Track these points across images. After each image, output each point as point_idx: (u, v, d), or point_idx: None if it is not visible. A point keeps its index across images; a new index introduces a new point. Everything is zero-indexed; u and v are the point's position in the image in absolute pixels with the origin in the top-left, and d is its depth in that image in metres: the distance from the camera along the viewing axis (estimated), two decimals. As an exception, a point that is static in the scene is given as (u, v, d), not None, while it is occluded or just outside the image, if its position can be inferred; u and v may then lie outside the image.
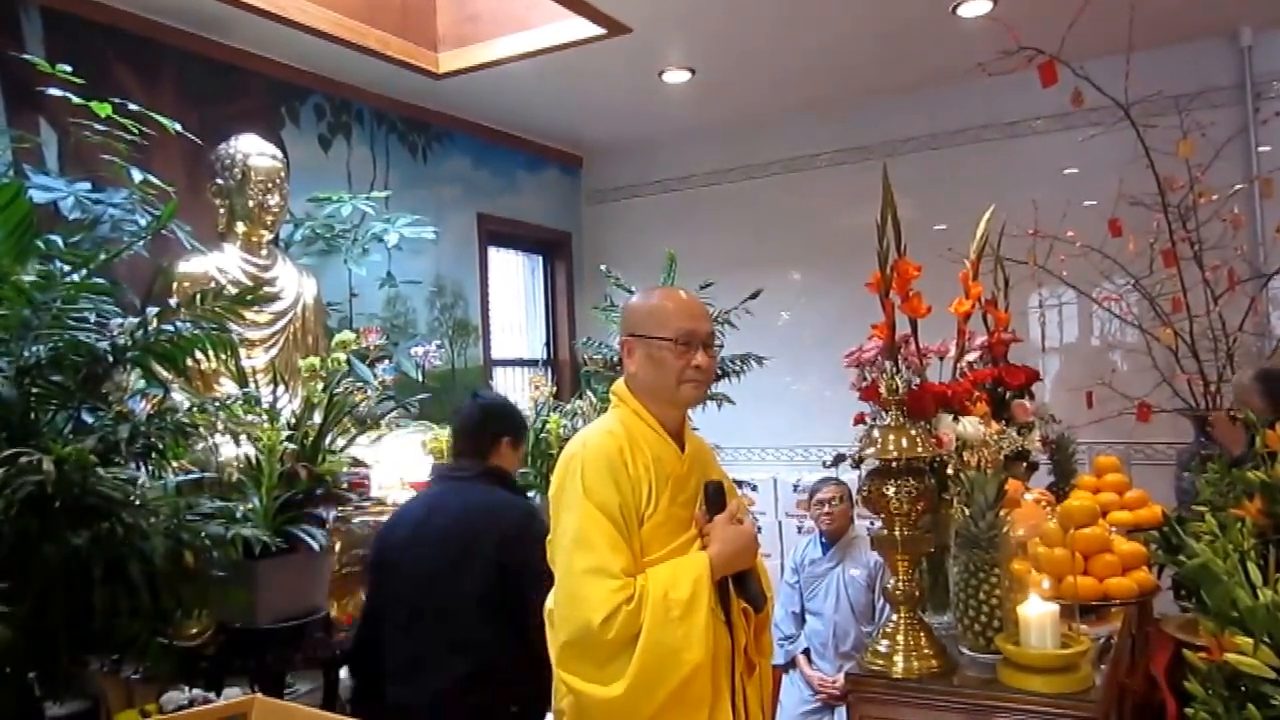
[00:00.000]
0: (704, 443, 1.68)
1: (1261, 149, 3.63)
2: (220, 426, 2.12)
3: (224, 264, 2.93)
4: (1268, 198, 3.44)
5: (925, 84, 4.18)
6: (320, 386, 2.43)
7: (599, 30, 3.36)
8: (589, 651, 1.40)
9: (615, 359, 4.03)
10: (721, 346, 3.29)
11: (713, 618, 1.42)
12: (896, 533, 1.72)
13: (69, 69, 2.42)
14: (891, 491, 1.70)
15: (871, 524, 1.84)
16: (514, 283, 5.00)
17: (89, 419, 1.79)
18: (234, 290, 2.42)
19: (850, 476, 2.64)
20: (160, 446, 1.87)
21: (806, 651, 3.24)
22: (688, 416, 1.65)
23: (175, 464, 2.03)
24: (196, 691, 1.98)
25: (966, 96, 4.10)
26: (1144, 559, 2.09)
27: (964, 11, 3.35)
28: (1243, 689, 1.15)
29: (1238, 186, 3.45)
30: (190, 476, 2.19)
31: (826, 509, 3.26)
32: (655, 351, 1.51)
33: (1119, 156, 3.43)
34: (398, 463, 2.95)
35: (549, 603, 1.52)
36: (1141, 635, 2.12)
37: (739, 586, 1.51)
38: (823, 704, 3.14)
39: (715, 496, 1.52)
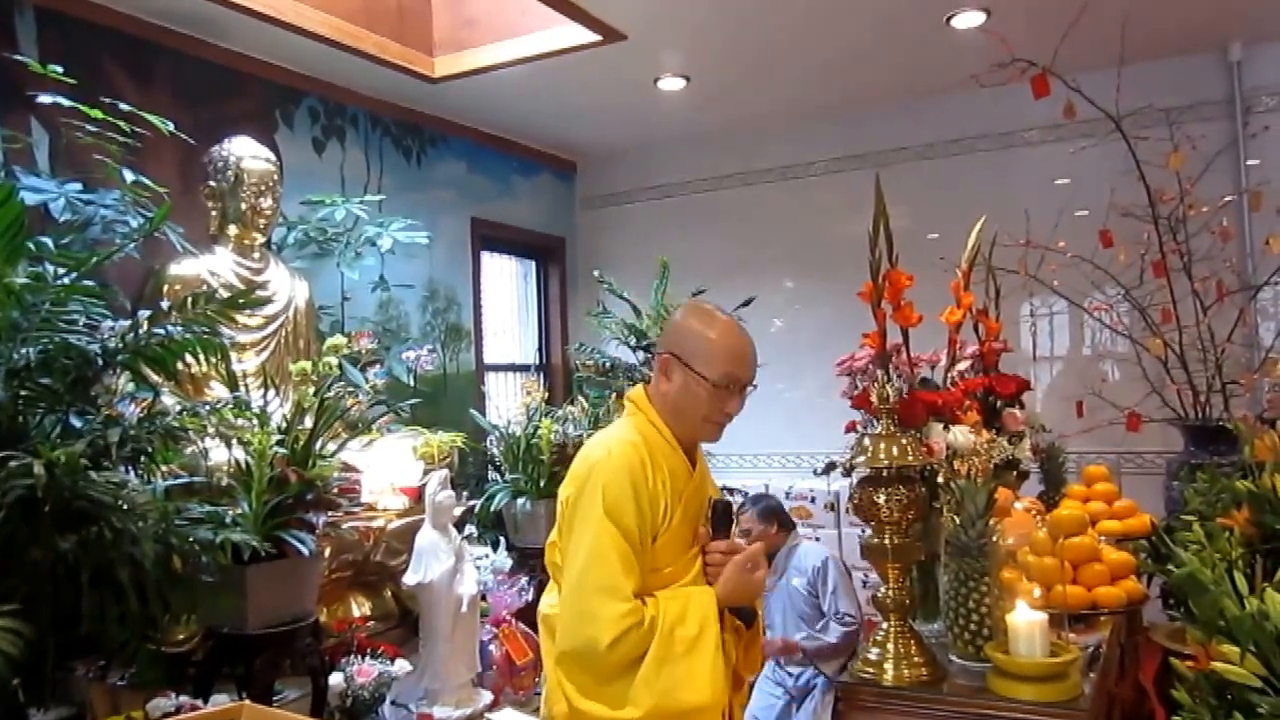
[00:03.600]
0: (704, 460, 1.67)
1: (1250, 162, 3.67)
2: (210, 430, 2.10)
3: (216, 267, 2.92)
4: (1256, 210, 3.47)
5: (919, 94, 4.21)
6: (311, 391, 2.42)
7: (594, 37, 3.37)
8: (591, 668, 1.39)
9: (608, 364, 4.04)
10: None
11: (721, 657, 1.41)
12: (887, 540, 1.72)
13: (61, 69, 2.41)
14: (882, 499, 1.71)
15: (863, 531, 1.84)
16: (507, 287, 5.00)
17: (78, 422, 1.77)
18: (226, 293, 2.41)
19: (841, 485, 2.64)
20: (150, 450, 1.85)
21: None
22: None
23: (165, 468, 2.02)
24: (184, 698, 1.97)
25: (960, 107, 4.12)
26: (1133, 568, 2.10)
27: (958, 23, 3.38)
28: (1229, 697, 1.16)
29: (1227, 199, 3.47)
30: (180, 481, 2.18)
31: (745, 539, 3.35)
32: (693, 384, 1.48)
33: (1110, 168, 3.45)
34: (389, 468, 2.94)
35: (545, 607, 1.51)
36: (1130, 644, 2.13)
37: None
38: (786, 697, 3.17)
39: (723, 516, 1.51)
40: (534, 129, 4.64)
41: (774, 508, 3.37)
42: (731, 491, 4.22)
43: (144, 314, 1.97)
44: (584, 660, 1.39)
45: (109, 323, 2.02)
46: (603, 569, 1.38)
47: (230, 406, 2.14)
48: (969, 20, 3.35)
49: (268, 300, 2.94)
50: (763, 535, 3.27)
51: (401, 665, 2.53)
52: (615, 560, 1.38)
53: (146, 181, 2.52)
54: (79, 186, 2.53)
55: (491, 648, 2.79)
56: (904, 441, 1.73)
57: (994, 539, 1.68)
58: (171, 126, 2.58)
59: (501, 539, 3.31)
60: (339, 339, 2.63)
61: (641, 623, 1.36)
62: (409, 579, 2.54)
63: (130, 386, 2.08)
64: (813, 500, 4.24)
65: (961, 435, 1.89)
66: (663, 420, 1.51)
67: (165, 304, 2.22)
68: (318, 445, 2.29)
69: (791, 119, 4.54)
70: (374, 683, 2.41)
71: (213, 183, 2.97)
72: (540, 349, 5.11)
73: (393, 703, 2.48)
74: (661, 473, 1.46)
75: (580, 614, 1.39)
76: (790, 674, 3.22)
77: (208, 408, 2.10)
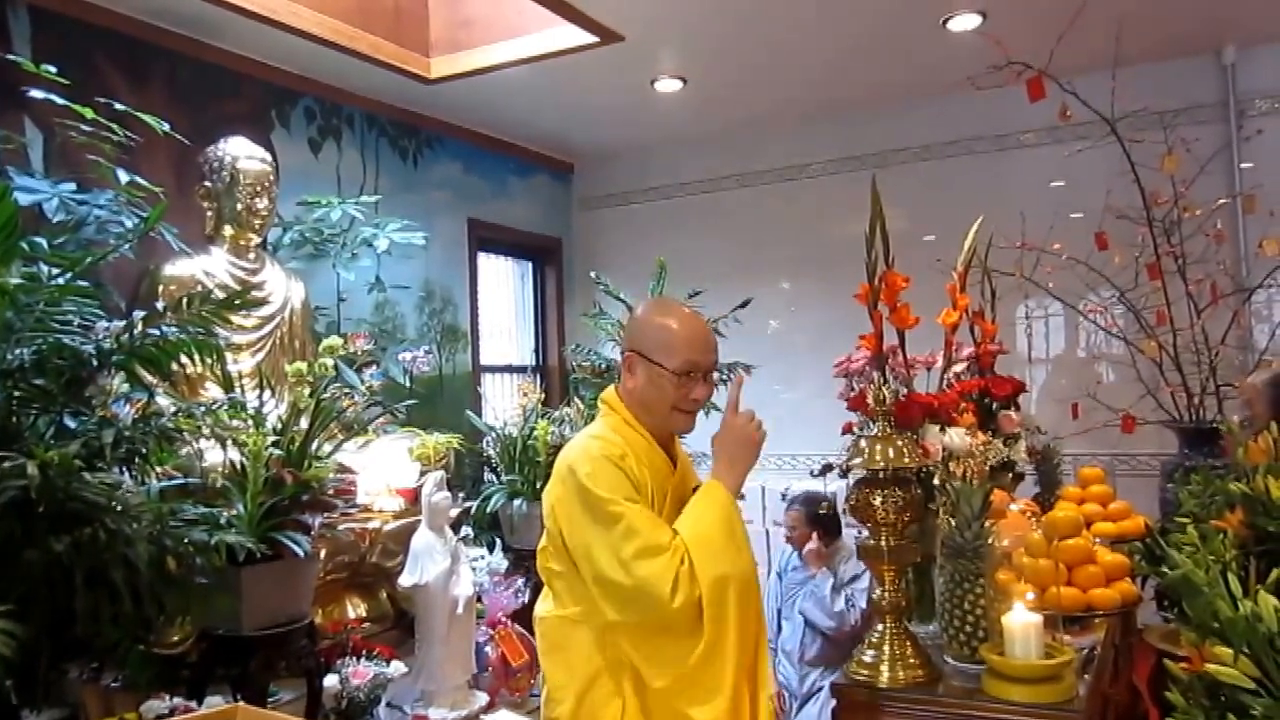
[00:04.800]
0: (687, 455, 1.68)
1: (1244, 165, 3.68)
2: (205, 431, 2.10)
3: (211, 267, 2.91)
4: (1250, 213, 3.49)
5: (916, 96, 4.21)
6: (307, 392, 2.42)
7: (592, 38, 3.38)
8: (668, 629, 1.39)
9: (604, 366, 4.03)
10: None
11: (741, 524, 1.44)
12: (883, 542, 1.72)
13: (55, 69, 2.40)
14: (878, 501, 1.71)
15: (859, 533, 1.85)
16: (504, 288, 5.00)
17: (72, 423, 1.77)
18: (221, 294, 2.41)
19: (838, 485, 2.64)
20: (144, 451, 1.85)
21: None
22: None
23: (159, 469, 2.01)
24: (178, 700, 1.96)
25: (956, 109, 4.13)
26: (1127, 570, 2.11)
27: (954, 25, 3.38)
28: (1223, 699, 1.16)
29: (1221, 201, 3.49)
30: (175, 482, 2.18)
31: (786, 533, 3.33)
32: (656, 376, 1.50)
33: (1105, 170, 3.47)
34: (384, 469, 2.93)
35: (541, 611, 1.51)
36: (1124, 646, 2.13)
37: None
38: (791, 699, 3.17)
39: None
40: (531, 130, 4.64)
41: (819, 515, 3.28)
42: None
43: (139, 315, 1.96)
44: (659, 626, 1.39)
45: (103, 323, 2.02)
46: (634, 538, 1.38)
47: (225, 408, 2.14)
48: (965, 23, 3.36)
49: (263, 301, 2.93)
50: (805, 537, 3.26)
51: (397, 667, 2.52)
52: (643, 523, 1.39)
53: (141, 182, 2.51)
54: (73, 187, 2.52)
55: (487, 649, 2.78)
56: (900, 443, 1.73)
57: (989, 541, 1.68)
58: (167, 127, 2.57)
59: (497, 540, 3.31)
60: (335, 340, 2.62)
61: (682, 558, 1.38)
62: (405, 580, 2.53)
63: (125, 387, 2.07)
64: (809, 501, 4.23)
65: (957, 437, 1.89)
66: (635, 417, 1.53)
67: (160, 305, 2.22)
68: (313, 446, 2.29)
69: (788, 120, 4.54)
70: (369, 684, 2.41)
71: (208, 183, 2.97)
72: (537, 350, 5.10)
73: (388, 704, 2.48)
74: (642, 465, 1.48)
75: (639, 584, 1.37)
76: (797, 673, 3.21)
77: (203, 409, 2.10)
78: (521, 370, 4.93)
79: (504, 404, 4.46)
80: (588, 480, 1.42)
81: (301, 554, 2.12)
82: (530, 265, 5.14)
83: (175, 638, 2.21)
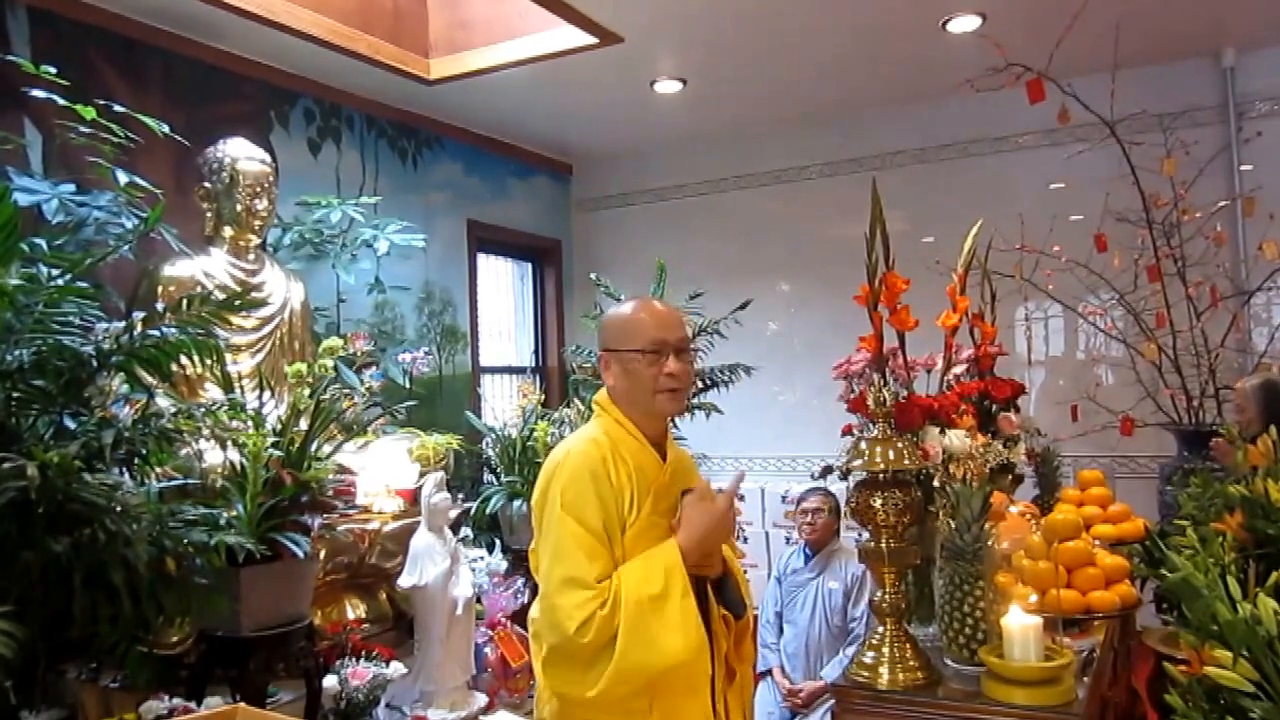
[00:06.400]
0: (686, 454, 1.68)
1: (1244, 168, 3.69)
2: (205, 432, 2.10)
3: (210, 268, 2.91)
4: (1249, 216, 3.50)
5: (915, 98, 4.22)
6: (307, 392, 2.42)
7: (591, 39, 3.38)
8: (570, 658, 1.42)
9: (603, 367, 4.04)
10: (698, 353, 3.29)
11: (691, 602, 1.43)
12: (883, 545, 1.72)
13: (54, 70, 2.40)
14: (878, 503, 1.71)
15: (859, 536, 1.85)
16: (503, 290, 5.00)
17: (71, 424, 1.77)
18: (221, 295, 2.40)
19: (838, 488, 2.65)
20: (144, 452, 1.85)
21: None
22: (671, 426, 1.65)
23: (159, 470, 2.01)
24: (177, 700, 1.96)
25: (956, 111, 4.14)
26: (1126, 572, 2.11)
27: (953, 28, 3.39)
28: (1222, 701, 1.16)
29: (1220, 204, 3.50)
30: (174, 483, 2.17)
31: (809, 519, 3.27)
32: (629, 364, 1.52)
33: (1105, 173, 3.47)
34: (384, 470, 2.93)
35: (534, 612, 1.52)
36: (1124, 648, 2.13)
37: (718, 593, 1.52)
38: (790, 710, 3.15)
39: None
40: (530, 131, 4.65)
41: (835, 506, 3.24)
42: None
43: (138, 315, 1.96)
44: (562, 651, 1.42)
45: (103, 324, 2.02)
46: (564, 563, 1.42)
47: (225, 408, 2.13)
48: (964, 25, 3.36)
49: (263, 302, 2.93)
50: (828, 527, 3.23)
51: (396, 668, 2.52)
52: (576, 552, 1.42)
53: (140, 182, 2.51)
54: (72, 188, 2.52)
55: (486, 650, 2.78)
56: (900, 445, 1.73)
57: (989, 543, 1.68)
58: (166, 128, 2.57)
59: (497, 541, 3.30)
60: (335, 341, 2.62)
61: (605, 603, 1.39)
62: (404, 581, 2.53)
63: (124, 388, 2.07)
64: (808, 503, 4.23)
65: (957, 439, 1.89)
66: (625, 415, 1.55)
67: (160, 305, 2.21)
68: (313, 447, 2.29)
69: (788, 122, 4.55)
70: (368, 685, 2.40)
71: (208, 184, 2.96)
72: (536, 351, 5.10)
73: (387, 705, 2.47)
74: (626, 466, 1.49)
75: (550, 610, 1.42)
76: (802, 677, 3.19)
77: (202, 410, 2.10)
78: (521, 371, 4.93)
79: (503, 405, 4.46)
80: (560, 490, 1.45)
81: (301, 555, 2.12)
82: (529, 266, 5.14)
83: (174, 638, 2.21)
